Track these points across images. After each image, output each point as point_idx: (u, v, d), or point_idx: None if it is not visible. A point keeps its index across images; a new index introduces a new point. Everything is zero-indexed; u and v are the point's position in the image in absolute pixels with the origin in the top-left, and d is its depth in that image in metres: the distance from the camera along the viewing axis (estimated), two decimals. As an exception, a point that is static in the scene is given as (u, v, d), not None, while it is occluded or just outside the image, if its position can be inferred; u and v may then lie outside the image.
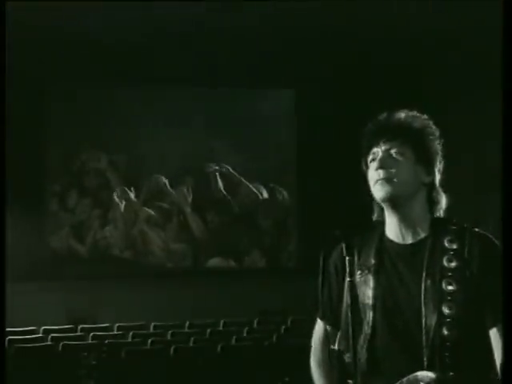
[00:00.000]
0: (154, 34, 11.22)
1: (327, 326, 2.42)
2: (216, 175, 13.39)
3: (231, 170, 13.42)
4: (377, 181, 2.23)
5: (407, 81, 11.72)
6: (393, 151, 2.25)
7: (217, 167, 13.38)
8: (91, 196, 13.07)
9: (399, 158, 2.24)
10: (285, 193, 13.58)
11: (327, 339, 2.42)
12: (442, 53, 11.33)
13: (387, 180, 2.21)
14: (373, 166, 2.27)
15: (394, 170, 2.22)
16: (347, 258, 2.19)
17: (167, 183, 13.22)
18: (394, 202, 2.24)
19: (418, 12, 10.36)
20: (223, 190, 13.42)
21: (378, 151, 2.26)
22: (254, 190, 13.52)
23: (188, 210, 13.21)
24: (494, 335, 2.16)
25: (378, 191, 2.23)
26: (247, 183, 13.49)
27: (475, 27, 10.25)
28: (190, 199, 13.26)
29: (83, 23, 10.81)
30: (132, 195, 13.14)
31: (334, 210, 10.36)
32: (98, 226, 13.01)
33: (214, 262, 13.20)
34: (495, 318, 2.16)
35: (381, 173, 2.23)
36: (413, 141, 2.25)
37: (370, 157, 2.28)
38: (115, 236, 13.05)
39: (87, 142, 12.95)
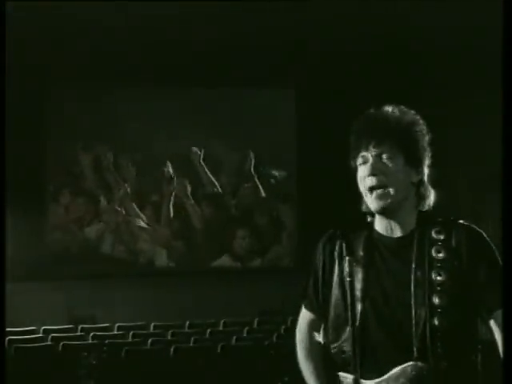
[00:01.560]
0: (154, 33, 11.22)
1: (312, 316, 2.45)
2: (214, 174, 13.40)
3: (230, 169, 13.43)
4: (370, 189, 2.24)
5: (407, 80, 11.71)
6: (383, 156, 2.24)
7: (216, 166, 13.39)
8: (91, 195, 13.06)
9: (389, 163, 2.23)
10: (284, 193, 13.58)
11: (312, 328, 2.45)
12: (442, 52, 11.33)
13: (380, 190, 2.22)
14: (362, 169, 2.27)
15: (385, 178, 2.22)
16: (347, 258, 2.21)
17: (166, 181, 13.24)
18: (387, 211, 2.26)
19: (419, 12, 10.36)
20: (222, 190, 13.42)
21: (368, 156, 2.26)
22: (253, 189, 13.52)
23: (189, 201, 13.20)
24: (493, 324, 2.20)
25: (373, 204, 2.25)
26: (246, 182, 13.50)
27: (475, 26, 10.25)
28: (189, 192, 13.25)
29: (83, 23, 10.82)
30: (131, 194, 13.15)
31: (333, 209, 10.35)
32: (97, 226, 13.01)
33: (215, 261, 13.19)
34: (490, 308, 2.19)
35: (373, 180, 2.23)
36: (402, 143, 2.24)
37: (360, 160, 2.28)
38: (115, 235, 13.05)
39: (87, 142, 12.95)
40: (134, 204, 13.14)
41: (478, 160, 11.24)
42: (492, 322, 2.19)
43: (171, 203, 13.25)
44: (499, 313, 2.17)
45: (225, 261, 13.27)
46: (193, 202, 13.28)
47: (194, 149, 13.24)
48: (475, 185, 11.34)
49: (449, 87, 11.57)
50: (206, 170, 13.33)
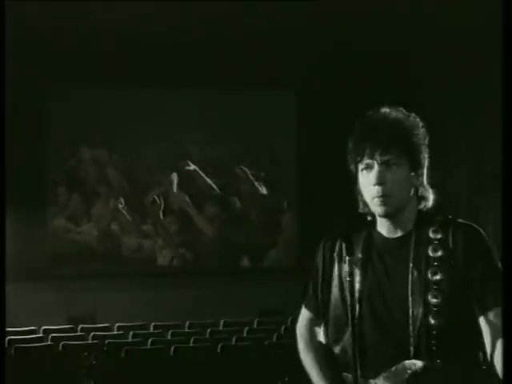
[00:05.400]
0: (154, 34, 11.22)
1: (311, 315, 2.46)
2: (215, 174, 13.41)
3: (230, 169, 13.44)
4: (375, 197, 2.22)
5: (407, 80, 11.72)
6: (390, 164, 2.21)
7: (216, 167, 13.40)
8: (92, 196, 13.07)
9: (396, 171, 2.22)
10: (284, 193, 13.58)
11: (312, 325, 2.46)
12: (442, 52, 11.33)
13: (386, 198, 2.21)
14: (366, 176, 2.24)
15: (391, 186, 2.21)
16: (347, 258, 2.21)
17: (171, 183, 13.26)
18: (390, 215, 2.26)
19: (419, 11, 10.36)
20: (221, 191, 13.42)
21: (373, 163, 2.23)
22: (253, 190, 13.52)
23: (193, 211, 13.22)
24: (483, 323, 2.18)
25: (377, 208, 2.24)
26: (245, 183, 13.50)
27: (476, 26, 10.25)
28: (188, 199, 13.26)
29: (83, 23, 10.82)
30: (131, 194, 13.16)
31: (333, 209, 10.36)
32: (97, 226, 13.01)
33: (215, 261, 13.19)
34: (482, 306, 2.18)
35: (379, 190, 2.21)
36: (407, 149, 2.23)
37: (363, 166, 2.25)
38: (115, 235, 13.05)
39: (86, 142, 12.96)
40: (133, 204, 13.15)
41: (478, 160, 11.25)
42: (482, 320, 2.18)
43: (171, 203, 13.26)
44: (492, 313, 2.16)
45: (225, 261, 13.27)
46: (192, 202, 13.29)
47: (195, 150, 13.25)
48: (475, 185, 11.34)
49: (449, 87, 11.58)
50: (206, 170, 13.35)
